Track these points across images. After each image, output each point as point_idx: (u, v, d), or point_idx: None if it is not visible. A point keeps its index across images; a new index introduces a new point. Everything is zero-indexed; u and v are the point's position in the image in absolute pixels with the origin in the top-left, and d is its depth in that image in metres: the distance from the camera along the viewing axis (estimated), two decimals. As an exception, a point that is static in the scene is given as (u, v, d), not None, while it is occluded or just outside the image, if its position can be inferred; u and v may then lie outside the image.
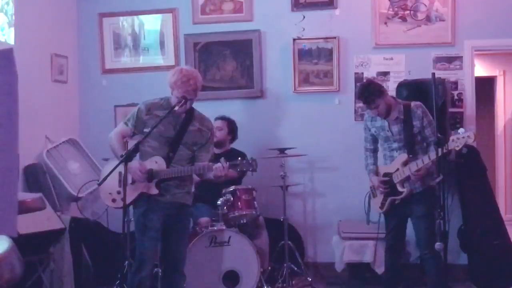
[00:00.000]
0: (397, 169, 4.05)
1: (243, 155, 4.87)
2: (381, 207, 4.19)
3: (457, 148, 3.74)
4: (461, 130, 3.88)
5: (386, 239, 4.36)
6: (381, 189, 4.17)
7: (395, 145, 4.12)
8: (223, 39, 5.68)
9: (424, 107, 4.09)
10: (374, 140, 4.29)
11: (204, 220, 4.64)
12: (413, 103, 4.12)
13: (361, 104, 5.39)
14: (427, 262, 4.09)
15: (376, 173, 4.26)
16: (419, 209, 4.05)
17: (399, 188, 4.05)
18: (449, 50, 5.38)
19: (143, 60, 5.85)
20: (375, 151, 4.33)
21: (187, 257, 4.03)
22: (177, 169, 3.72)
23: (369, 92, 4.05)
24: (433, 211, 4.04)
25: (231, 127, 5.16)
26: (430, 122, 4.02)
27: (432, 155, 3.74)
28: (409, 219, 4.21)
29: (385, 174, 4.16)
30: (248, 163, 3.69)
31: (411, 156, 4.01)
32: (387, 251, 4.36)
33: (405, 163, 4.01)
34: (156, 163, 3.71)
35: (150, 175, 3.69)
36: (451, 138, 3.75)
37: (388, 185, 4.12)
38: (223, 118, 5.11)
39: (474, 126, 5.30)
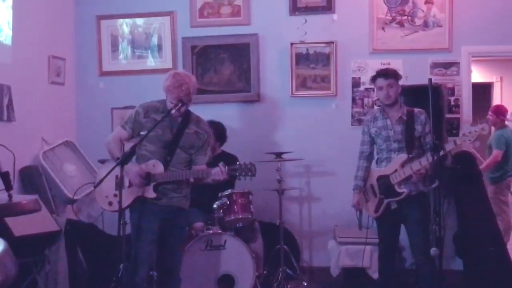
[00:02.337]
0: (395, 170, 4.04)
1: (234, 158, 4.88)
2: (376, 211, 4.19)
3: (469, 142, 3.78)
4: (465, 126, 3.91)
5: (379, 245, 4.37)
6: (357, 210, 4.32)
7: (394, 145, 4.12)
8: (220, 42, 5.68)
9: (426, 114, 4.12)
10: (372, 143, 4.29)
11: (198, 225, 4.63)
12: (416, 109, 4.17)
13: (358, 109, 5.45)
14: (422, 267, 4.10)
15: (367, 178, 4.28)
16: (414, 214, 4.05)
17: (398, 189, 4.04)
18: (446, 56, 5.40)
19: (140, 63, 5.85)
20: (370, 157, 4.32)
21: (183, 260, 4.03)
22: (176, 173, 3.71)
23: (390, 69, 4.27)
24: (428, 217, 4.08)
25: (218, 132, 5.07)
26: (431, 130, 4.03)
27: (436, 154, 3.78)
28: (401, 225, 4.22)
29: (380, 177, 4.16)
30: (247, 168, 3.70)
31: (411, 156, 4.03)
32: (381, 257, 4.36)
33: (404, 163, 4.01)
34: (154, 166, 3.71)
35: (148, 179, 3.68)
36: (461, 132, 3.78)
37: (384, 187, 4.12)
38: (209, 123, 5.03)
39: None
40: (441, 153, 3.68)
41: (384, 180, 4.12)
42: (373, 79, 4.26)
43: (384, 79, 4.13)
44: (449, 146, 3.85)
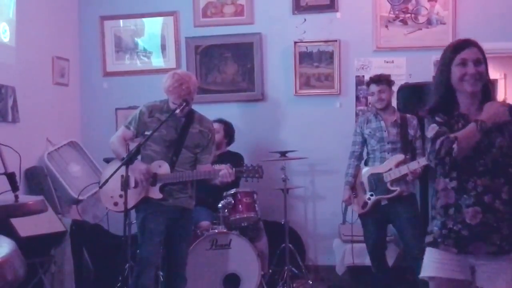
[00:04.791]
0: (390, 169, 4.21)
1: (239, 157, 4.89)
2: (364, 206, 4.31)
3: None
4: None
5: (367, 243, 4.49)
6: (348, 205, 4.55)
7: (387, 146, 4.29)
8: (224, 42, 5.68)
9: (417, 121, 4.29)
10: (363, 144, 4.46)
11: (204, 224, 4.64)
12: (408, 115, 4.38)
13: (362, 107, 5.45)
14: (418, 262, 4.12)
15: (357, 176, 4.44)
16: (405, 213, 4.22)
17: (390, 187, 4.20)
18: (450, 54, 5.37)
19: (144, 63, 5.86)
20: (360, 156, 4.49)
21: (188, 259, 4.03)
22: (183, 173, 3.72)
23: (383, 75, 4.41)
24: (418, 215, 4.31)
25: (228, 130, 5.15)
26: (421, 136, 4.23)
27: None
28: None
29: (372, 175, 4.31)
30: (254, 170, 3.71)
31: (407, 156, 4.20)
32: (371, 255, 4.49)
33: (399, 163, 4.17)
34: (160, 167, 3.72)
35: (154, 179, 3.68)
36: None
37: (376, 184, 4.27)
38: (220, 121, 5.10)
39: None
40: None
41: (376, 177, 4.27)
42: (367, 84, 4.45)
43: (376, 85, 4.32)
44: None
